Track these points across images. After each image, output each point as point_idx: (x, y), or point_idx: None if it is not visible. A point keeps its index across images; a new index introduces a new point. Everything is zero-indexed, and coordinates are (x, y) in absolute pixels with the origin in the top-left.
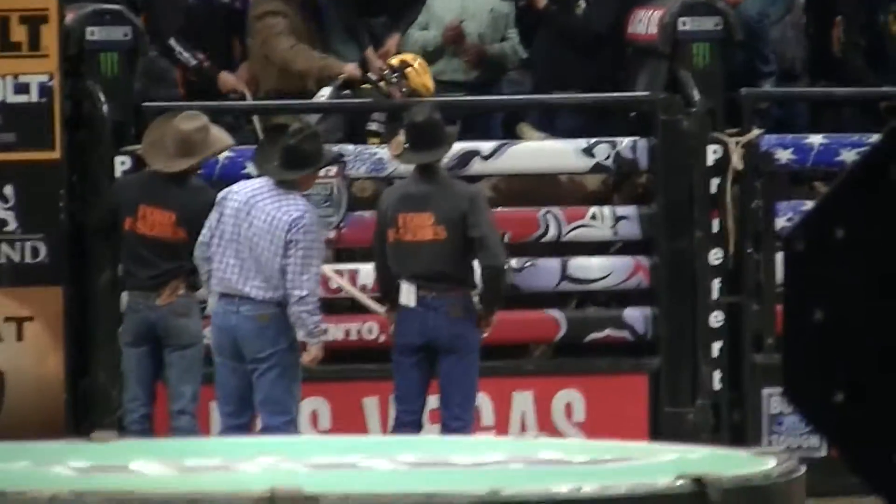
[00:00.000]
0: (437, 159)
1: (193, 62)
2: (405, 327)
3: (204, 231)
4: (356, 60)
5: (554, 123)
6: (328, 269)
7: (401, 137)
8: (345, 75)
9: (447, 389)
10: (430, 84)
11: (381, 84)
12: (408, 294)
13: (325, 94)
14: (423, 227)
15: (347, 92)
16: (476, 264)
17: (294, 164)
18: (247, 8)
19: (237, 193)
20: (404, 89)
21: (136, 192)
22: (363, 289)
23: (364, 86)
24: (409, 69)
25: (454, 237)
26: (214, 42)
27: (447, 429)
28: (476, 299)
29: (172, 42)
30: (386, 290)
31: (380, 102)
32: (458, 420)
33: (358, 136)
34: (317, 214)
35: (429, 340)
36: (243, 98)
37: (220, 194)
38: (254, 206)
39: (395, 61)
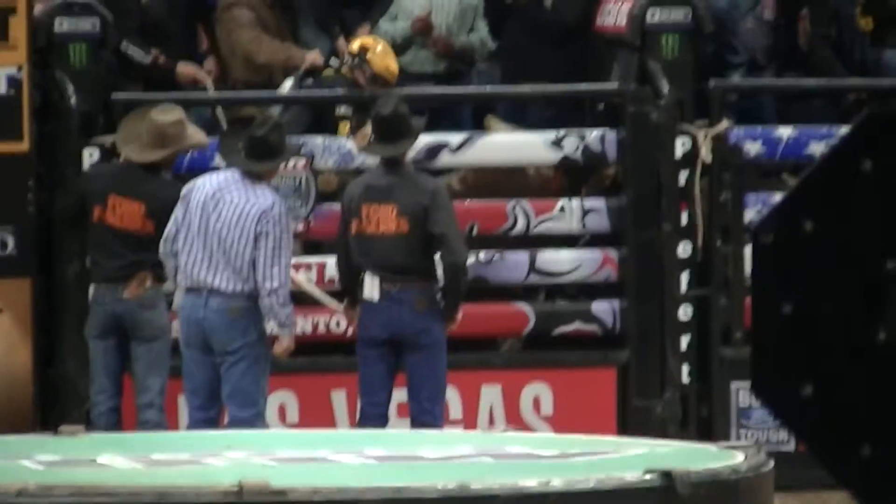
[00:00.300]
0: (401, 152)
1: (148, 60)
2: (369, 320)
3: (169, 226)
4: (328, 53)
5: (524, 115)
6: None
7: (367, 129)
8: (307, 64)
9: (415, 383)
10: (394, 66)
11: (344, 70)
12: (371, 287)
13: (287, 85)
14: (386, 219)
15: (311, 81)
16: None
17: (261, 154)
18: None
19: (202, 186)
20: (367, 73)
21: (106, 182)
22: (331, 282)
23: (326, 72)
24: (369, 54)
25: (416, 230)
26: (177, 35)
27: (417, 422)
28: (439, 294)
29: (124, 44)
30: (347, 283)
31: (345, 94)
32: (427, 414)
33: (325, 126)
34: (286, 205)
35: (393, 334)
36: (205, 89)
37: (185, 188)
38: (221, 199)
39: (354, 46)
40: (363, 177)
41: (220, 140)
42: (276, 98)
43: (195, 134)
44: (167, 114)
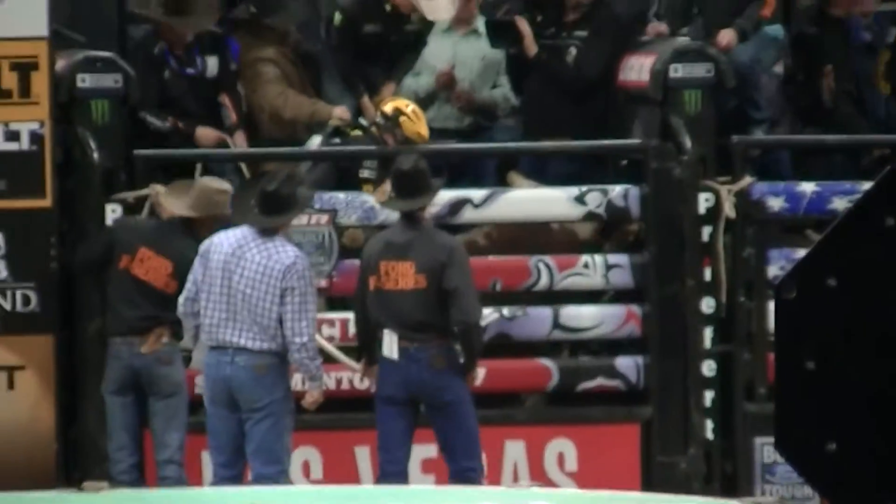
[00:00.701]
0: (420, 207)
1: (167, 126)
2: (387, 378)
3: (188, 285)
4: (353, 110)
5: (546, 170)
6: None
7: (387, 185)
8: (335, 122)
9: (447, 442)
10: (425, 132)
11: (374, 130)
12: (390, 345)
13: (315, 141)
14: (405, 275)
15: (338, 140)
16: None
17: (273, 209)
18: (227, 68)
19: (220, 245)
20: (399, 137)
21: (138, 234)
22: (354, 338)
23: (355, 132)
24: (402, 117)
25: (433, 287)
26: (199, 110)
27: (459, 480)
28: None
29: (143, 115)
30: (365, 339)
31: (371, 149)
32: (468, 471)
33: (349, 183)
34: (307, 259)
35: (412, 393)
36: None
37: (203, 246)
38: (242, 257)
39: (388, 108)
40: (382, 233)
41: (234, 197)
42: (301, 154)
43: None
44: (216, 182)
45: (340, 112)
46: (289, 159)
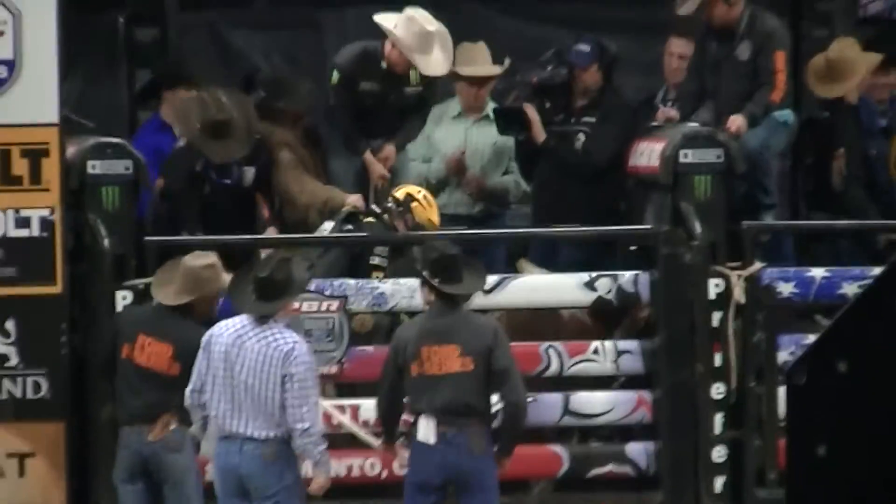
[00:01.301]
0: (474, 291)
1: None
2: (422, 464)
3: (193, 378)
4: (355, 190)
5: (556, 257)
6: (328, 404)
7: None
8: (348, 206)
9: None
10: (436, 219)
11: (385, 217)
12: (426, 430)
13: (327, 227)
14: (448, 358)
15: (350, 226)
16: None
17: (269, 295)
18: (264, 173)
19: (220, 336)
20: (409, 223)
21: (137, 321)
22: (365, 424)
23: (368, 219)
24: (414, 203)
25: (480, 369)
26: (235, 214)
27: None
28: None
29: (185, 233)
30: (389, 424)
31: (382, 236)
32: None
33: (361, 269)
34: (306, 343)
35: (448, 477)
36: None
37: (204, 338)
38: (242, 347)
39: (399, 194)
40: (415, 319)
41: (231, 284)
42: (313, 240)
43: (226, 279)
44: (199, 259)
45: (355, 200)
46: (300, 245)
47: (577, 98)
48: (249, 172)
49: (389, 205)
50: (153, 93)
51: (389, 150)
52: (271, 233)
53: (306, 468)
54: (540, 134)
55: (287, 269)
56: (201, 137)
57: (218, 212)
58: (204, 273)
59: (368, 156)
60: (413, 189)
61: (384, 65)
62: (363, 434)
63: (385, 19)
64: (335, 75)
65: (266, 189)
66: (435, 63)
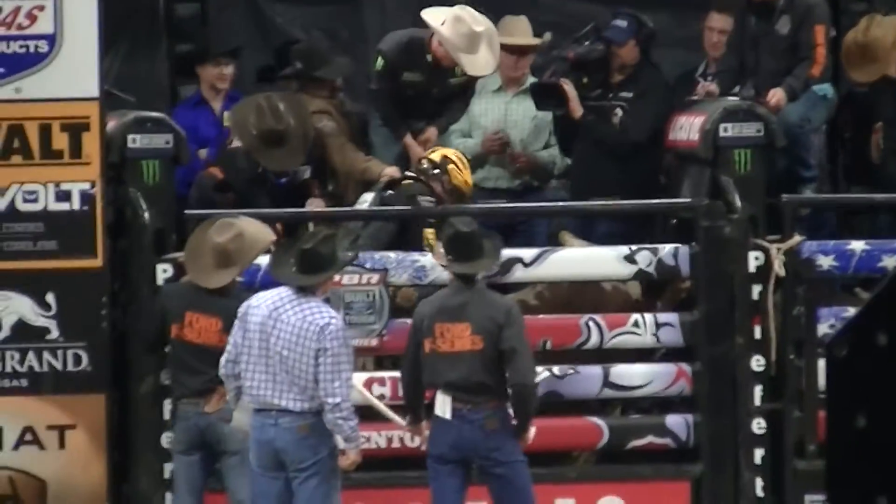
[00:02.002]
0: (482, 270)
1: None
2: (439, 438)
3: (229, 348)
4: (396, 159)
5: (592, 232)
6: (359, 383)
7: (441, 248)
8: (385, 177)
9: (504, 502)
10: (471, 180)
11: (423, 178)
12: (443, 405)
13: (367, 199)
14: (461, 337)
15: (390, 193)
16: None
17: (311, 268)
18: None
19: (257, 307)
20: (446, 184)
21: (182, 300)
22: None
23: (405, 182)
24: (450, 165)
25: (490, 348)
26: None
27: None
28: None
29: None
30: (413, 401)
31: (423, 210)
32: None
33: (406, 237)
34: (341, 319)
35: (463, 453)
36: None
37: (241, 309)
38: (278, 319)
39: (436, 156)
40: (435, 296)
41: (272, 256)
42: (356, 213)
43: (257, 239)
44: (224, 232)
45: (392, 171)
46: (342, 218)
47: (615, 74)
48: (305, 171)
49: (424, 166)
50: (192, 68)
51: (431, 132)
52: (316, 205)
53: (342, 441)
54: (577, 110)
55: (331, 244)
56: (258, 145)
57: (278, 207)
58: (231, 246)
59: (409, 139)
60: (449, 152)
61: (429, 57)
62: (390, 413)
63: (432, 16)
64: (380, 62)
65: (320, 175)
66: (481, 63)
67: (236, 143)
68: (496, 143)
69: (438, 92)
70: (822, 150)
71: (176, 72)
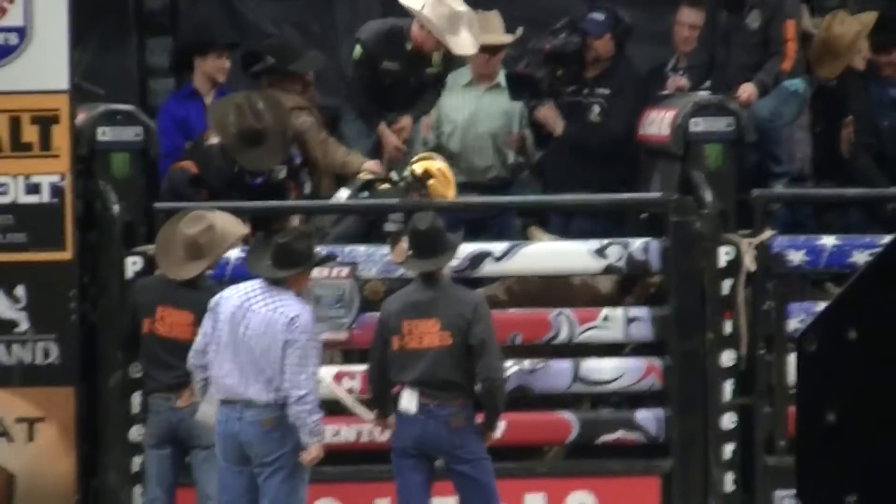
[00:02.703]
0: (440, 267)
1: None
2: (403, 432)
3: (198, 339)
4: (369, 152)
5: (567, 229)
6: (328, 377)
7: (403, 244)
8: (365, 176)
9: (469, 501)
10: (452, 194)
11: (402, 184)
12: (409, 400)
13: (343, 195)
14: (429, 333)
15: (366, 194)
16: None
17: (286, 263)
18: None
19: (229, 298)
20: (424, 197)
21: (153, 294)
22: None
23: (384, 186)
24: (431, 180)
25: (459, 343)
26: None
27: None
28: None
29: None
30: (380, 397)
31: (397, 203)
32: None
33: (376, 237)
34: (311, 313)
35: (426, 448)
36: None
37: (212, 301)
38: (248, 310)
39: (419, 169)
40: (401, 292)
41: (249, 250)
42: (327, 207)
43: (228, 232)
44: (195, 224)
45: (372, 165)
46: (314, 212)
47: (590, 68)
48: (281, 171)
49: (406, 175)
50: (185, 62)
51: (405, 121)
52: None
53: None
54: (557, 129)
55: (307, 241)
56: (236, 144)
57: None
58: (201, 239)
59: (383, 127)
60: (432, 165)
61: (409, 46)
62: (358, 407)
63: (411, 1)
64: (358, 50)
65: (296, 179)
66: (464, 43)
67: (213, 140)
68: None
69: (415, 81)
70: (799, 145)
71: (170, 66)
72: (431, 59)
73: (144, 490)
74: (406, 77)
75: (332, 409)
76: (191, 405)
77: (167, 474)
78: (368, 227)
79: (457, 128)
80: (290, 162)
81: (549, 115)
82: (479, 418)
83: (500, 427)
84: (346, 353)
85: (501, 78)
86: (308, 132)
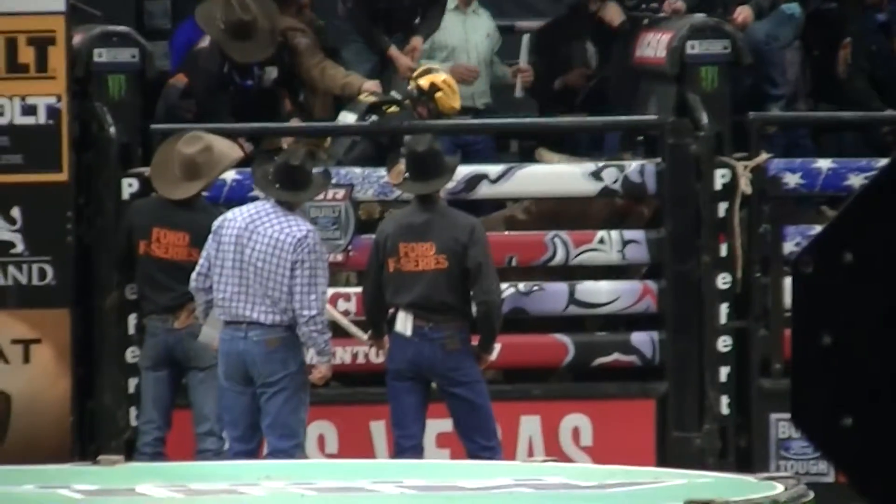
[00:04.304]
0: (437, 189)
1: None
2: (398, 354)
3: (201, 261)
4: (369, 74)
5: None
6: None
7: (401, 166)
8: (367, 97)
9: (463, 422)
10: (458, 105)
11: (408, 102)
12: (404, 322)
13: (349, 118)
14: (424, 256)
15: (374, 117)
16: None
17: (293, 184)
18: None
19: (233, 220)
20: (432, 111)
21: (148, 216)
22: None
23: (391, 109)
24: (438, 93)
25: (455, 267)
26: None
27: (477, 459)
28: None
29: None
30: (375, 318)
31: (405, 126)
32: (485, 450)
33: (381, 159)
34: (318, 233)
35: (421, 370)
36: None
37: (216, 223)
38: (255, 231)
39: (424, 82)
40: (397, 214)
41: (254, 169)
42: (331, 129)
43: (225, 154)
44: (193, 144)
45: (371, 86)
46: (316, 135)
47: None
48: (272, 72)
49: (410, 88)
50: None
51: (416, 41)
52: (294, 122)
53: (310, 357)
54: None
55: (313, 162)
56: (224, 38)
57: (243, 112)
58: (199, 158)
59: (394, 50)
60: (437, 77)
61: None
62: (353, 328)
63: None
64: None
65: (289, 84)
66: None
67: (202, 45)
68: (470, 75)
69: (408, 2)
70: (793, 67)
71: None
72: None
73: (140, 412)
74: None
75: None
76: (188, 326)
77: (163, 396)
78: (382, 151)
79: (453, 52)
80: (281, 61)
81: (613, 10)
82: (475, 341)
83: (496, 349)
84: (346, 275)
85: (476, 3)
86: (304, 53)
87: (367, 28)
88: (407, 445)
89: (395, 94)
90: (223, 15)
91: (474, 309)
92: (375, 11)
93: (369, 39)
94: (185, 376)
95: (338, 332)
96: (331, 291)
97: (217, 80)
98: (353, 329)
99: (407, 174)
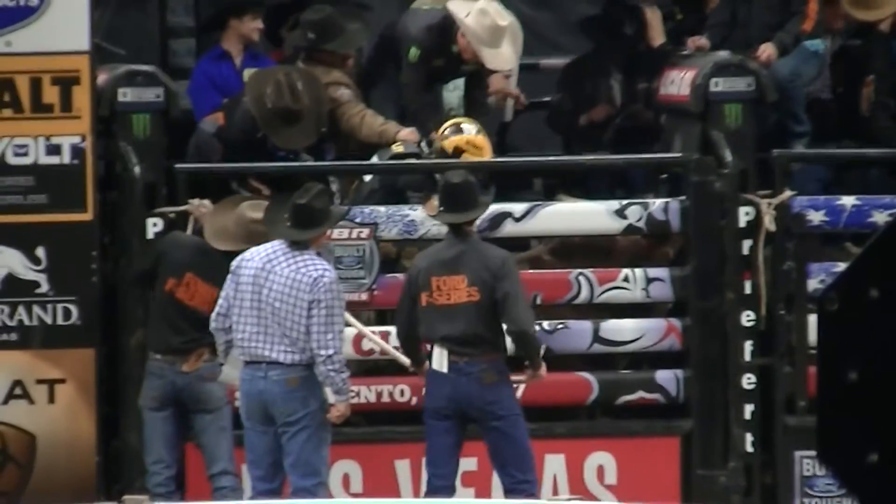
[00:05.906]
0: (470, 220)
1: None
2: (435, 391)
3: (220, 301)
4: (397, 117)
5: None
6: (362, 325)
7: (434, 201)
8: (399, 148)
9: (500, 456)
10: (489, 157)
11: (433, 157)
12: (440, 359)
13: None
14: (456, 289)
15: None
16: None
17: (305, 223)
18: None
19: (251, 261)
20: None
21: (185, 256)
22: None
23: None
24: (464, 155)
25: (486, 299)
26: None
27: (513, 494)
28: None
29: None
30: (409, 353)
31: (415, 164)
32: (523, 483)
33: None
34: (334, 272)
35: (460, 407)
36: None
37: (234, 263)
38: (271, 271)
39: (449, 146)
40: (430, 249)
41: (266, 210)
42: (349, 168)
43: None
44: (255, 210)
45: (406, 134)
46: (340, 173)
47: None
48: (307, 158)
49: (436, 147)
50: (218, 23)
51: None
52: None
53: (328, 396)
54: (657, 37)
55: (325, 199)
56: (271, 121)
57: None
58: (254, 227)
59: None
60: (462, 140)
61: (455, 48)
62: (396, 353)
63: (458, 7)
64: (413, 52)
65: (317, 150)
66: (502, 58)
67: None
68: (502, 98)
69: (450, 77)
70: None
71: (202, 26)
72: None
73: (147, 453)
74: (444, 75)
75: (353, 370)
76: (196, 369)
77: (172, 435)
78: (399, 201)
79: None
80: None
81: (654, 18)
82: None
83: (544, 368)
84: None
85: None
86: (346, 105)
87: (419, 104)
88: (439, 485)
89: (423, 146)
90: (273, 97)
91: (508, 341)
92: (431, 80)
93: (418, 115)
94: (189, 418)
95: (364, 370)
96: (361, 325)
97: (251, 146)
98: (396, 354)
99: (441, 207)
